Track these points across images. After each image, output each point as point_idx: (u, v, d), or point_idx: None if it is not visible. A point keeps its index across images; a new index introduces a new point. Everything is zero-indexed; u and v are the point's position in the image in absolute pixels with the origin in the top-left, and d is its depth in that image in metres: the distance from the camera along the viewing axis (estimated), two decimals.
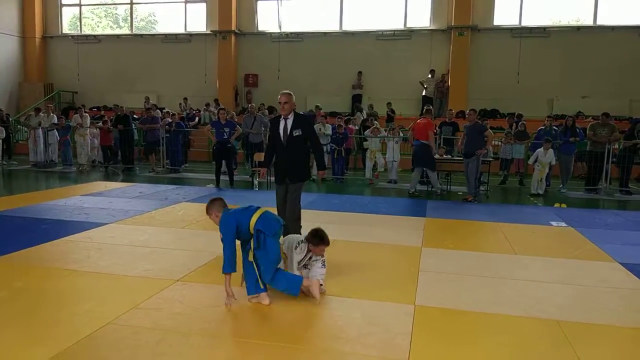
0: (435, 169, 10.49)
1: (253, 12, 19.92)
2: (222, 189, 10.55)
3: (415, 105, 17.83)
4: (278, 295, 4.01)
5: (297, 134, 5.51)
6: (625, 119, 15.66)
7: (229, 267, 3.86)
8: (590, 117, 14.54)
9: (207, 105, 18.25)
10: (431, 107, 12.03)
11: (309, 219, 7.21)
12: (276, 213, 5.21)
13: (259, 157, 11.59)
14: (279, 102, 5.52)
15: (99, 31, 22.27)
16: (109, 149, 14.62)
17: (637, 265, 5.27)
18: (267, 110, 16.23)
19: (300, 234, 4.96)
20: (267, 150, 6.25)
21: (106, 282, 4.41)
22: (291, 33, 19.55)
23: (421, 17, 18.84)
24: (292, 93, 5.63)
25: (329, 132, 12.83)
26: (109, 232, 6.27)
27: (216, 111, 17.72)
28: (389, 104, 17.08)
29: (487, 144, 9.83)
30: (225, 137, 10.81)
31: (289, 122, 5.52)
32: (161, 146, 13.51)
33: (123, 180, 11.84)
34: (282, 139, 5.54)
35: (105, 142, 14.46)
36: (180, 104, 18.63)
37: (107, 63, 21.10)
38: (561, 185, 11.51)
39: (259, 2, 19.97)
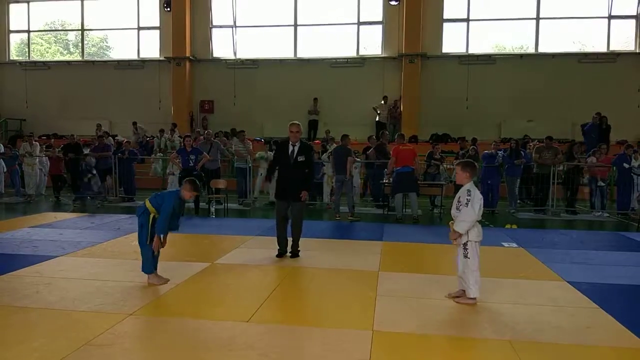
0: (419, 194, 10.72)
1: (207, 38, 19.99)
2: (188, 217, 10.35)
3: (370, 131, 18.11)
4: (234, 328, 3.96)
5: (301, 159, 6.52)
6: (568, 141, 16.38)
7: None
8: (536, 140, 15.14)
9: (162, 131, 18.03)
10: (404, 134, 12.10)
11: (267, 246, 7.20)
12: (275, 224, 6.66)
13: (216, 184, 11.50)
14: (292, 131, 6.53)
15: (49, 57, 21.78)
16: (59, 178, 14.16)
17: (583, 283, 5.49)
18: (225, 138, 16.17)
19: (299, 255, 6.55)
20: (270, 165, 7.16)
21: (56, 318, 4.25)
22: (246, 60, 19.69)
23: (373, 45, 19.37)
24: (300, 124, 6.80)
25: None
26: (58, 265, 6.05)
27: (171, 136, 17.64)
28: (327, 131, 17.17)
29: (347, 168, 10.36)
30: (191, 164, 10.69)
31: (296, 149, 6.53)
32: (114, 174, 13.22)
33: (74, 211, 11.49)
34: (290, 162, 6.52)
35: (56, 171, 14.00)
36: (133, 130, 18.37)
37: (57, 90, 20.62)
38: (511, 207, 11.90)
39: (213, 29, 20.06)
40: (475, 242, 4.73)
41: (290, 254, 6.63)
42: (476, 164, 5.07)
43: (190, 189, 5.29)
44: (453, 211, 4.82)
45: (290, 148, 6.58)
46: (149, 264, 5.28)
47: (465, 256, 4.73)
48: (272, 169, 7.02)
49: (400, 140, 10.68)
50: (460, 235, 4.67)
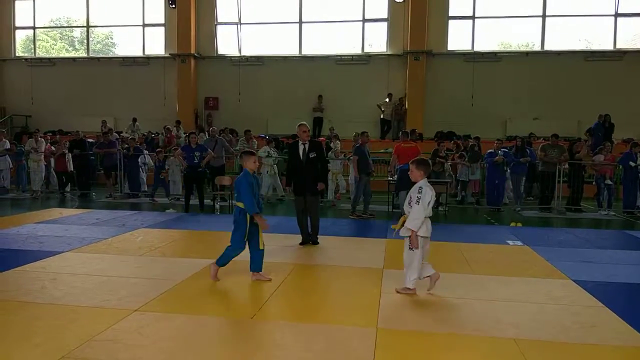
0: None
1: (213, 35, 19.99)
2: (192, 214, 10.39)
3: (374, 128, 18.15)
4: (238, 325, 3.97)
5: (313, 155, 7.05)
6: (573, 139, 16.32)
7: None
8: (542, 138, 15.09)
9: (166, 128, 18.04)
10: (408, 130, 12.00)
11: (271, 243, 7.20)
12: (297, 219, 7.20)
13: (221, 180, 11.51)
14: (302, 131, 7.03)
15: (54, 54, 21.83)
16: (64, 174, 14.21)
17: (589, 282, 5.46)
18: (230, 135, 16.18)
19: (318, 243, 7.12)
20: (288, 171, 7.54)
21: (61, 313, 4.27)
22: (251, 57, 19.69)
23: (378, 43, 19.33)
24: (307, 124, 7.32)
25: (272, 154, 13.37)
26: (64, 261, 6.08)
27: (177, 133, 17.63)
28: (331, 128, 17.15)
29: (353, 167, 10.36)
30: (196, 161, 10.71)
31: (307, 147, 7.06)
32: (119, 170, 13.28)
33: (79, 207, 11.53)
34: (302, 159, 7.01)
35: (61, 168, 14.05)
36: (129, 124, 18.43)
37: (62, 86, 20.70)
38: (516, 205, 11.86)
39: (218, 26, 20.06)
40: (423, 237, 4.78)
41: (311, 242, 7.21)
42: (429, 161, 5.16)
43: (249, 158, 5.27)
44: (406, 207, 4.88)
45: (301, 147, 7.07)
46: (225, 259, 5.25)
47: (410, 248, 4.80)
48: (290, 172, 7.40)
49: (404, 138, 10.67)
50: (415, 232, 4.71)
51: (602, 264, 6.44)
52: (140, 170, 13.44)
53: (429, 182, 4.72)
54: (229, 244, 5.23)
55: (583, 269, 6.10)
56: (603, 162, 11.63)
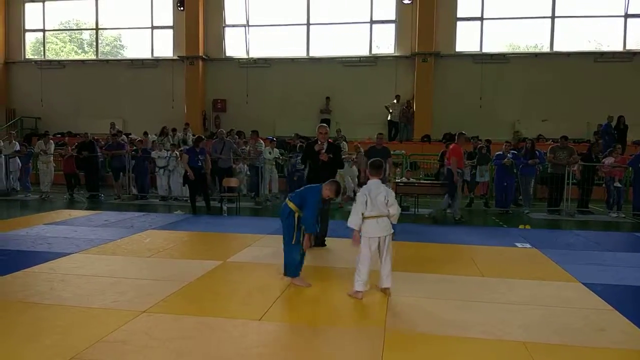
0: (453, 194, 10.50)
1: (220, 38, 20.05)
2: (200, 215, 10.43)
3: (382, 130, 18.09)
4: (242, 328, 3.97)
5: (329, 157, 7.06)
6: (583, 141, 16.22)
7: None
8: (551, 140, 15.01)
9: (174, 130, 18.05)
10: (464, 132, 11.40)
11: (279, 244, 7.19)
12: None
13: (228, 182, 11.54)
14: (320, 132, 7.09)
15: (63, 56, 21.99)
16: (72, 176, 14.29)
17: (598, 285, 5.42)
18: (237, 136, 16.19)
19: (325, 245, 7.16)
20: (309, 170, 7.53)
21: (70, 314, 4.29)
22: (259, 59, 19.72)
23: (386, 44, 19.32)
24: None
25: (276, 155, 13.71)
26: (73, 262, 6.11)
27: (184, 135, 17.64)
28: (338, 130, 17.09)
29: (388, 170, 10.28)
30: (200, 164, 10.81)
31: (324, 147, 7.05)
32: (127, 172, 13.34)
33: (88, 208, 11.59)
34: (318, 160, 7.03)
35: (69, 170, 14.12)
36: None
37: (71, 88, 20.82)
38: (524, 207, 11.80)
39: (226, 28, 20.12)
40: (369, 237, 4.83)
41: (319, 244, 7.12)
42: (378, 161, 5.17)
43: (333, 190, 5.17)
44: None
45: (319, 148, 7.07)
46: (294, 268, 5.20)
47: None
48: (309, 172, 7.47)
49: (460, 140, 10.49)
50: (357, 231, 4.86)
51: (612, 266, 6.39)
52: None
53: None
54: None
55: (592, 271, 6.06)
56: (613, 164, 11.54)
